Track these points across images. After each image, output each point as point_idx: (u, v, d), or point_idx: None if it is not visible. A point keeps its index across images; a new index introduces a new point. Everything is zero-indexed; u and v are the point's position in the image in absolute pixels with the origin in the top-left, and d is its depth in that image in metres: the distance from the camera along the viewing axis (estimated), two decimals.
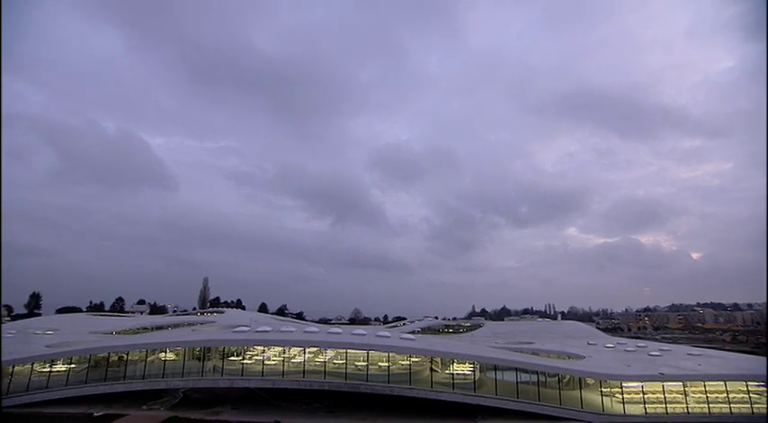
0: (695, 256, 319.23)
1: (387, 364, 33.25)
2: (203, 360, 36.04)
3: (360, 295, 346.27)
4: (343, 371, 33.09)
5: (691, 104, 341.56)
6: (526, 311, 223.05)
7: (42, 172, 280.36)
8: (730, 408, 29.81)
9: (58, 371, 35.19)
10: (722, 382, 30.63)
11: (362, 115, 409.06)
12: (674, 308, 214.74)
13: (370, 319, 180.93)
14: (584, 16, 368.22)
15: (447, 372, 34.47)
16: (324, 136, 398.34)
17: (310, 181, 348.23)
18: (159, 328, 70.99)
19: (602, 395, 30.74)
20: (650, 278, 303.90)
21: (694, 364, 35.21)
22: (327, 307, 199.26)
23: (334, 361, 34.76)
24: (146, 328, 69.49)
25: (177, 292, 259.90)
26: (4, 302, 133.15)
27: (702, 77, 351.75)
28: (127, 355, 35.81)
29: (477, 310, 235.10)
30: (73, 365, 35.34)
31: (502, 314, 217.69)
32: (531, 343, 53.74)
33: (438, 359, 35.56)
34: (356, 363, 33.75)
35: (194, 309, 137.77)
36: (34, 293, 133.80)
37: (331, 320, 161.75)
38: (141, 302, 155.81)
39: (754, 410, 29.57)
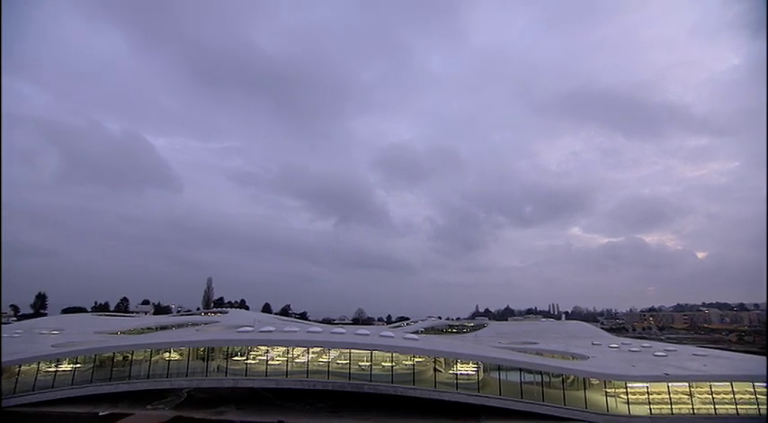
0: (701, 255, 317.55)
1: (390, 364, 33.23)
2: (207, 360, 36.18)
3: (363, 295, 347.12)
4: (347, 371, 33.10)
5: (696, 103, 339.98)
6: (530, 311, 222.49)
7: (48, 173, 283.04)
8: (737, 409, 29.54)
9: (63, 370, 35.44)
10: (728, 383, 30.40)
11: (365, 115, 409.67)
12: (679, 308, 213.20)
13: (374, 320, 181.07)
14: (587, 15, 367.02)
15: (450, 372, 34.42)
16: (327, 136, 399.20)
17: (314, 181, 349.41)
18: (163, 328, 71.37)
19: (606, 396, 30.56)
20: (655, 278, 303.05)
21: (700, 365, 34.97)
22: (331, 307, 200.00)
23: (338, 361, 34.79)
24: (150, 329, 69.85)
25: (181, 292, 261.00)
26: (10, 303, 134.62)
27: (708, 76, 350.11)
28: (131, 354, 35.97)
29: (481, 310, 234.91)
30: (78, 365, 35.57)
31: (505, 314, 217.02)
32: (535, 343, 53.59)
33: (442, 359, 35.52)
34: (360, 363, 33.75)
35: (198, 309, 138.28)
36: (40, 294, 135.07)
37: (334, 320, 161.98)
38: (145, 303, 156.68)
39: (761, 411, 29.29)
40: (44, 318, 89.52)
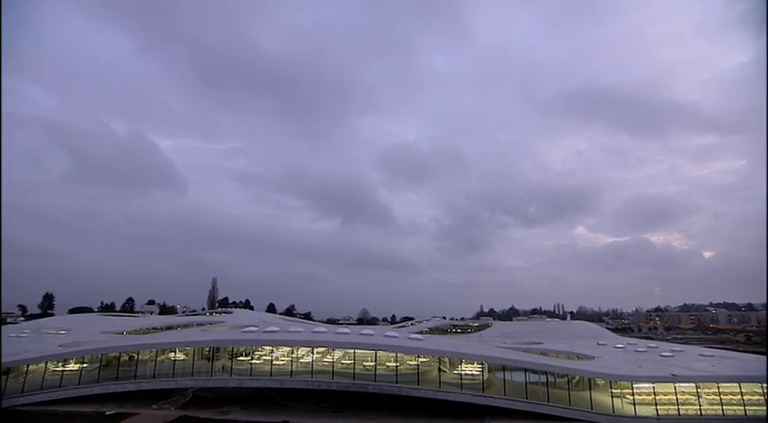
0: (707, 255, 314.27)
1: (395, 364, 33.22)
2: (212, 360, 36.36)
3: (368, 295, 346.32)
4: (351, 371, 33.13)
5: (702, 101, 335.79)
6: (535, 311, 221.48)
7: (55, 174, 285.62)
8: (745, 410, 29.26)
9: (70, 370, 35.74)
10: (736, 384, 30.10)
11: (369, 115, 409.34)
12: (685, 308, 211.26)
13: (378, 320, 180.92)
14: (591, 13, 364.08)
15: (455, 372, 34.34)
16: (331, 136, 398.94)
17: (318, 181, 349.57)
18: (169, 328, 71.81)
19: (612, 396, 30.36)
20: (661, 278, 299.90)
21: (707, 366, 34.67)
22: (335, 307, 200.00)
23: (342, 361, 34.85)
24: (156, 329, 70.33)
25: (186, 292, 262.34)
26: (18, 303, 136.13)
27: (714, 73, 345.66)
28: (137, 354, 36.23)
29: (486, 310, 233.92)
30: (85, 365, 35.86)
31: (510, 314, 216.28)
32: (540, 343, 53.37)
33: (446, 359, 35.46)
34: (364, 363, 33.78)
35: (203, 309, 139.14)
36: (47, 294, 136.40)
37: (339, 321, 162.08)
38: (151, 303, 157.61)
39: None
40: (51, 318, 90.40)
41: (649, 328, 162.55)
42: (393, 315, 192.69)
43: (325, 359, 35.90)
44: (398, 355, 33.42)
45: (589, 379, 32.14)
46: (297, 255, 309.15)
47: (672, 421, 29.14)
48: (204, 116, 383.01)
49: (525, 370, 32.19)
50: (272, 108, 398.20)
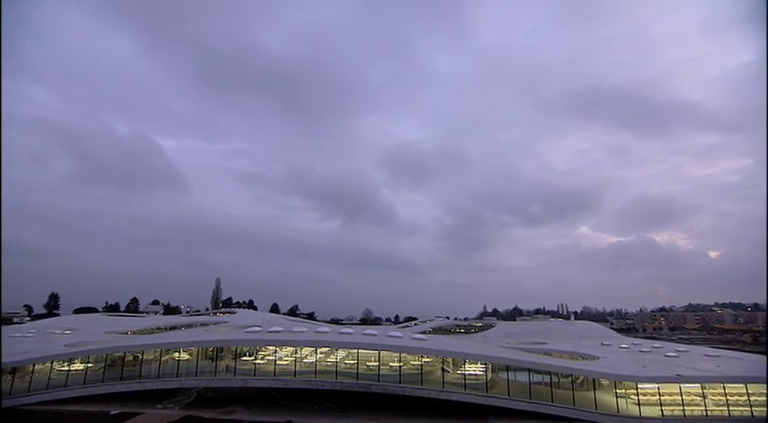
0: (713, 254, 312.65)
1: (398, 364, 33.22)
2: (216, 360, 36.48)
3: (371, 295, 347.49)
4: (355, 371, 33.15)
5: (706, 100, 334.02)
6: (538, 311, 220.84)
7: (59, 175, 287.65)
8: (752, 411, 29.03)
9: (76, 370, 35.99)
10: (742, 385, 29.87)
11: (372, 115, 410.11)
12: (690, 308, 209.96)
13: (381, 320, 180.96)
14: (594, 12, 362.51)
15: (459, 372, 34.29)
16: (333, 136, 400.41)
17: (320, 181, 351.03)
18: (173, 328, 72.04)
19: (616, 396, 30.21)
20: (666, 278, 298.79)
21: (713, 366, 34.43)
22: (338, 307, 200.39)
23: (346, 361, 34.85)
24: (160, 329, 70.56)
25: (190, 292, 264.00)
26: (24, 303, 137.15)
27: (719, 72, 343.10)
28: (142, 354, 36.39)
29: (489, 310, 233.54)
30: (90, 364, 36.08)
31: (514, 314, 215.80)
32: (544, 343, 53.17)
33: (449, 359, 35.40)
34: (367, 363, 33.78)
35: (207, 309, 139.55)
36: (53, 294, 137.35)
37: (342, 321, 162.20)
38: (155, 303, 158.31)
39: None
40: (57, 318, 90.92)
41: (654, 329, 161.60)
42: (396, 315, 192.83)
43: (328, 359, 35.92)
44: (402, 355, 33.42)
45: (593, 379, 31.98)
46: (300, 255, 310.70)
47: (677, 422, 28.97)
48: (207, 117, 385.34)
49: (529, 370, 32.10)
50: (275, 108, 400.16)
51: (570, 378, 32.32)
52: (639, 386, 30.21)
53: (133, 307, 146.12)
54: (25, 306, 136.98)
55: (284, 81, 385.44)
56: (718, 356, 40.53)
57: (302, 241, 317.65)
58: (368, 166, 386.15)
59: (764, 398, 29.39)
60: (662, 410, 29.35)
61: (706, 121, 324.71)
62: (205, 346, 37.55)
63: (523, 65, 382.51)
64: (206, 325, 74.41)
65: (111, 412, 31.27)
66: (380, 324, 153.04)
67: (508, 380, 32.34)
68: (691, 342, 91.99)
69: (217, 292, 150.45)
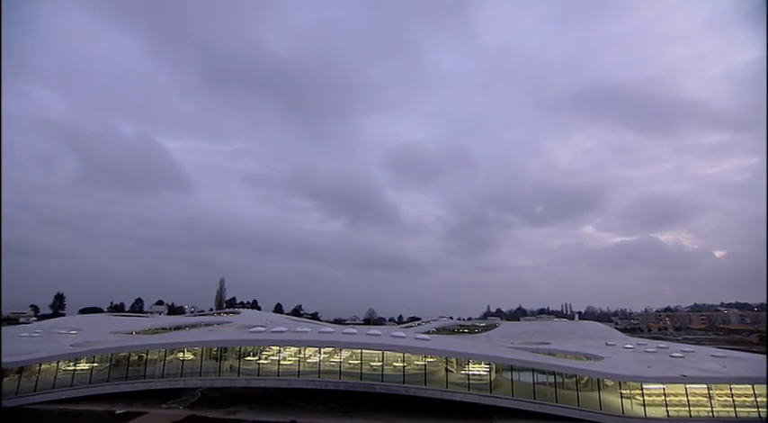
0: (719, 254, 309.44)
1: (402, 364, 33.21)
2: (220, 360, 36.64)
3: (374, 295, 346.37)
4: (359, 371, 33.18)
5: (713, 98, 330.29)
6: (542, 311, 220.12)
7: (65, 176, 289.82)
8: (759, 412, 28.76)
9: (81, 369, 36.25)
10: (749, 385, 29.61)
11: (375, 115, 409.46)
12: (696, 308, 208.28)
13: (385, 320, 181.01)
14: (599, 10, 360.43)
15: (462, 372, 34.22)
16: (337, 136, 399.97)
17: (324, 182, 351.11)
18: (177, 328, 72.43)
19: (621, 397, 30.06)
20: (671, 277, 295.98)
21: (719, 366, 34.14)
22: (342, 307, 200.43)
23: (350, 361, 34.89)
24: (164, 329, 71.00)
25: (194, 292, 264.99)
26: (30, 303, 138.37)
27: (725, 70, 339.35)
28: (146, 354, 36.63)
29: (493, 309, 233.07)
30: (95, 364, 36.33)
31: (518, 314, 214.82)
32: (548, 343, 52.97)
33: (453, 359, 35.35)
34: (371, 363, 33.80)
35: (211, 309, 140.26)
36: (59, 294, 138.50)
37: (346, 321, 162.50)
38: (159, 303, 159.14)
39: None
40: (62, 318, 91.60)
41: (659, 329, 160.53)
42: (400, 315, 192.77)
43: (332, 359, 35.98)
44: (405, 355, 33.41)
45: (598, 379, 31.83)
46: (304, 255, 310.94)
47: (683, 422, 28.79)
48: (211, 117, 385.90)
49: (533, 370, 31.98)
50: (279, 109, 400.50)
51: (574, 378, 32.15)
52: (644, 387, 30.01)
53: (138, 307, 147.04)
54: (31, 306, 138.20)
55: (288, 81, 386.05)
56: (725, 357, 40.18)
57: (306, 241, 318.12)
58: (372, 166, 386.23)
59: None
60: (667, 411, 29.15)
61: (712, 119, 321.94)
62: (209, 346, 37.71)
63: (527, 64, 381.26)
64: (210, 325, 74.71)
65: (117, 412, 31.49)
66: (384, 324, 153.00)
67: (512, 380, 32.23)
68: (696, 342, 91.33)
69: (221, 292, 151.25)
